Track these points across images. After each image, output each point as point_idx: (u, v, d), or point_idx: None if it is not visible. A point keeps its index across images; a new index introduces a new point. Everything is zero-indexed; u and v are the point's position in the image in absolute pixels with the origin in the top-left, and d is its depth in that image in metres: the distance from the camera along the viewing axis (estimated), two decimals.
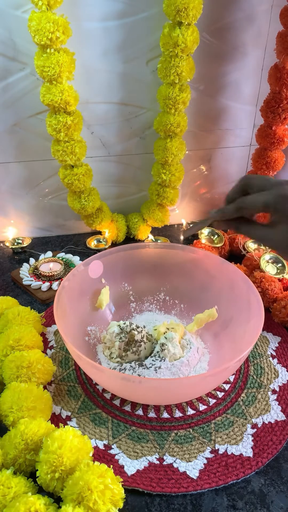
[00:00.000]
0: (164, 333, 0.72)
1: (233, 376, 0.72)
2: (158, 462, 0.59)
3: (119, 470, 0.58)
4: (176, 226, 1.19)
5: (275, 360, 0.75)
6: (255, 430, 0.63)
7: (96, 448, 0.61)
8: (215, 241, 1.02)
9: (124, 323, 0.73)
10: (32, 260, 1.00)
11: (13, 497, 0.51)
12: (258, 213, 0.51)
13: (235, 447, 0.61)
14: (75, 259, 1.01)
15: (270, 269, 0.91)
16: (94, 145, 1.01)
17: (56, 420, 0.64)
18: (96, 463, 0.53)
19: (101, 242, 1.09)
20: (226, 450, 0.60)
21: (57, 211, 1.10)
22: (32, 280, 0.93)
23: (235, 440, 0.62)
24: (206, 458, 0.59)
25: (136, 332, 0.71)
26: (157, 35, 0.86)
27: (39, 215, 1.10)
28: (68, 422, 0.64)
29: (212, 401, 0.67)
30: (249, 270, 0.92)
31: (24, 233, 1.11)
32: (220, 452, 0.60)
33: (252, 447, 0.60)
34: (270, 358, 0.75)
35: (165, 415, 0.65)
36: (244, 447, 0.61)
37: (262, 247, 1.00)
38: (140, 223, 1.10)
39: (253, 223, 0.53)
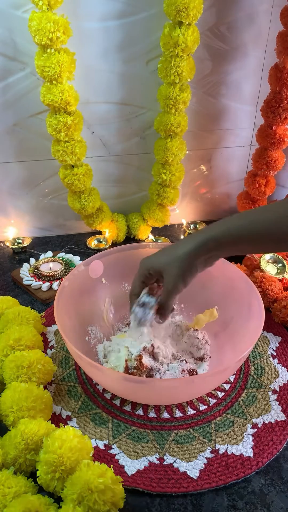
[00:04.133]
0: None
1: (234, 376, 0.72)
2: (158, 462, 0.59)
3: (119, 470, 0.58)
4: (176, 226, 1.19)
5: (276, 360, 0.75)
6: (256, 430, 0.63)
7: (96, 448, 0.61)
8: None
9: (131, 353, 0.68)
10: (32, 260, 1.00)
11: (13, 497, 0.51)
12: (152, 278, 0.64)
13: (235, 447, 0.61)
14: (75, 259, 1.01)
15: (270, 269, 0.91)
16: (94, 145, 1.01)
17: (56, 420, 0.64)
18: (97, 463, 0.54)
19: (101, 242, 1.09)
20: (226, 450, 0.60)
21: (57, 211, 1.10)
22: (32, 280, 0.93)
23: (235, 440, 0.62)
24: (207, 458, 0.59)
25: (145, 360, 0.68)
26: (157, 35, 0.86)
27: (39, 215, 1.10)
28: (68, 422, 0.64)
29: (213, 401, 0.67)
30: (249, 270, 0.92)
31: (25, 233, 1.11)
32: (221, 452, 0.60)
33: (252, 447, 0.60)
34: (271, 358, 0.75)
35: (166, 415, 0.65)
36: (244, 447, 0.61)
37: None
38: (140, 223, 1.10)
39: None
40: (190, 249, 0.57)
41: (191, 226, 1.16)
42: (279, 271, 0.91)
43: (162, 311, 0.65)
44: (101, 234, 1.11)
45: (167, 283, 0.60)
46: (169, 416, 0.65)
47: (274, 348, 0.77)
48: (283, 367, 0.73)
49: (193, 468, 0.58)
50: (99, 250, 1.04)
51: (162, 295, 0.63)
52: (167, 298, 0.62)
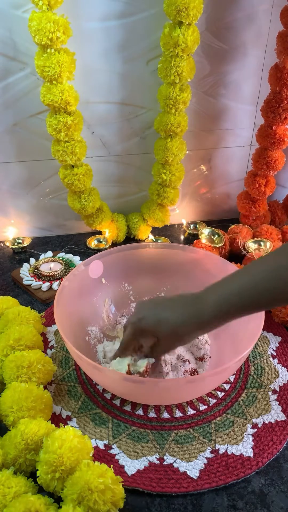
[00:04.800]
0: None
1: (234, 376, 0.72)
2: (158, 462, 0.59)
3: (119, 470, 0.58)
4: (176, 226, 1.19)
5: (276, 360, 0.75)
6: (256, 430, 0.63)
7: (96, 448, 0.61)
8: (216, 241, 1.02)
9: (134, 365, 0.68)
10: (32, 260, 1.00)
11: (13, 497, 0.51)
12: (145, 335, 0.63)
13: (235, 447, 0.61)
14: (76, 259, 1.01)
15: None
16: (94, 145, 1.01)
17: (57, 420, 0.64)
18: (97, 463, 0.54)
19: (101, 242, 1.09)
20: (226, 450, 0.60)
21: (57, 211, 1.10)
22: (32, 280, 0.93)
23: (235, 440, 0.62)
24: (207, 458, 0.59)
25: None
26: (157, 35, 0.86)
27: (39, 215, 1.10)
28: (68, 422, 0.64)
29: (213, 401, 0.67)
30: None
31: (25, 233, 1.11)
32: (221, 452, 0.60)
33: (252, 447, 0.60)
34: (271, 358, 0.75)
35: (166, 415, 0.65)
36: (244, 447, 0.60)
37: (262, 247, 1.00)
38: (140, 223, 1.10)
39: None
40: (190, 333, 0.57)
41: (191, 226, 1.16)
42: None
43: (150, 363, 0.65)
44: (101, 234, 1.11)
45: (163, 347, 0.61)
46: (169, 416, 0.65)
47: (274, 348, 0.77)
48: (283, 367, 0.73)
49: (193, 468, 0.58)
50: (99, 250, 1.04)
51: (155, 352, 0.64)
52: (159, 355, 0.64)
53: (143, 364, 0.64)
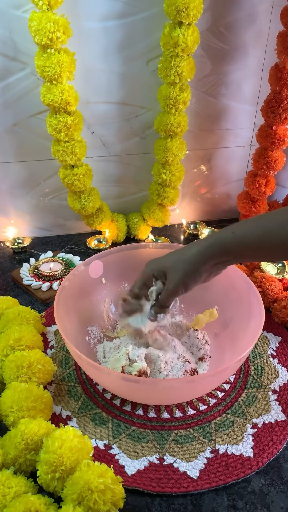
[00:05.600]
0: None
1: (234, 376, 0.72)
2: (158, 462, 0.59)
3: (119, 470, 0.58)
4: (176, 226, 1.19)
5: (276, 360, 0.75)
6: (256, 430, 0.63)
7: (96, 448, 0.61)
8: None
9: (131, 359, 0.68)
10: (32, 260, 1.00)
11: (13, 497, 0.51)
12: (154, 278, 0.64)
13: (235, 447, 0.61)
14: (76, 259, 1.01)
15: (270, 269, 0.91)
16: (94, 145, 1.01)
17: (57, 420, 0.64)
18: (97, 463, 0.54)
19: (101, 242, 1.09)
20: (226, 450, 0.60)
21: (57, 211, 1.10)
22: (32, 280, 0.93)
23: (235, 440, 0.62)
24: (207, 458, 0.59)
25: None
26: (157, 35, 0.86)
27: (39, 215, 1.10)
28: (68, 422, 0.64)
29: (213, 401, 0.67)
30: (250, 270, 0.92)
31: (25, 233, 1.11)
32: (221, 452, 0.60)
33: (252, 447, 0.60)
34: (271, 358, 0.75)
35: (166, 415, 0.65)
36: (244, 447, 0.60)
37: None
38: (140, 223, 1.10)
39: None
40: (196, 253, 0.57)
41: (191, 226, 1.16)
42: (279, 271, 0.91)
43: (158, 310, 0.65)
44: (101, 234, 1.11)
45: (168, 283, 0.60)
46: (169, 416, 0.65)
47: (274, 348, 0.77)
48: (283, 367, 0.73)
49: (193, 468, 0.58)
50: (99, 250, 1.04)
51: (161, 294, 0.63)
52: (165, 298, 0.62)
53: (136, 367, 0.65)
